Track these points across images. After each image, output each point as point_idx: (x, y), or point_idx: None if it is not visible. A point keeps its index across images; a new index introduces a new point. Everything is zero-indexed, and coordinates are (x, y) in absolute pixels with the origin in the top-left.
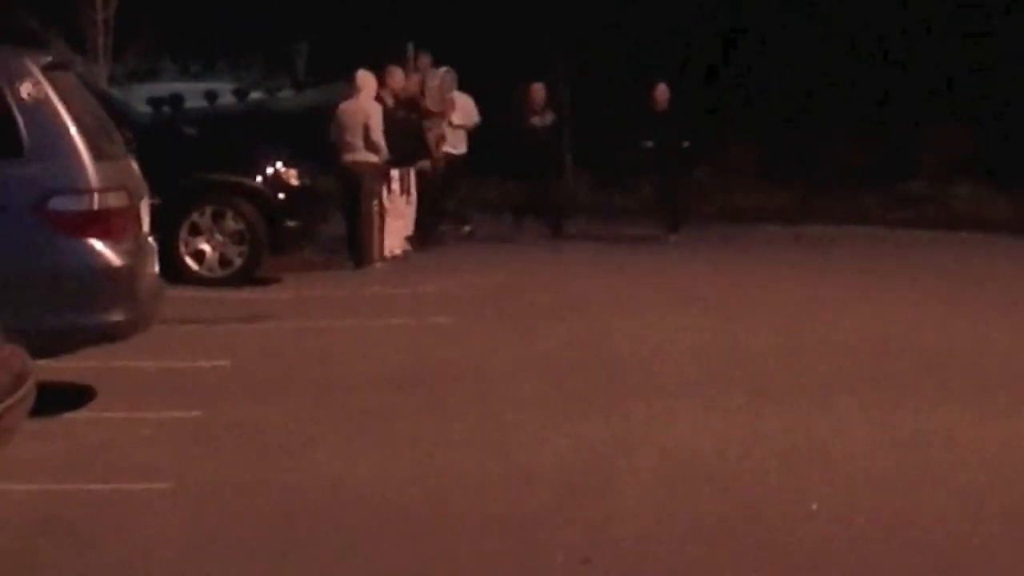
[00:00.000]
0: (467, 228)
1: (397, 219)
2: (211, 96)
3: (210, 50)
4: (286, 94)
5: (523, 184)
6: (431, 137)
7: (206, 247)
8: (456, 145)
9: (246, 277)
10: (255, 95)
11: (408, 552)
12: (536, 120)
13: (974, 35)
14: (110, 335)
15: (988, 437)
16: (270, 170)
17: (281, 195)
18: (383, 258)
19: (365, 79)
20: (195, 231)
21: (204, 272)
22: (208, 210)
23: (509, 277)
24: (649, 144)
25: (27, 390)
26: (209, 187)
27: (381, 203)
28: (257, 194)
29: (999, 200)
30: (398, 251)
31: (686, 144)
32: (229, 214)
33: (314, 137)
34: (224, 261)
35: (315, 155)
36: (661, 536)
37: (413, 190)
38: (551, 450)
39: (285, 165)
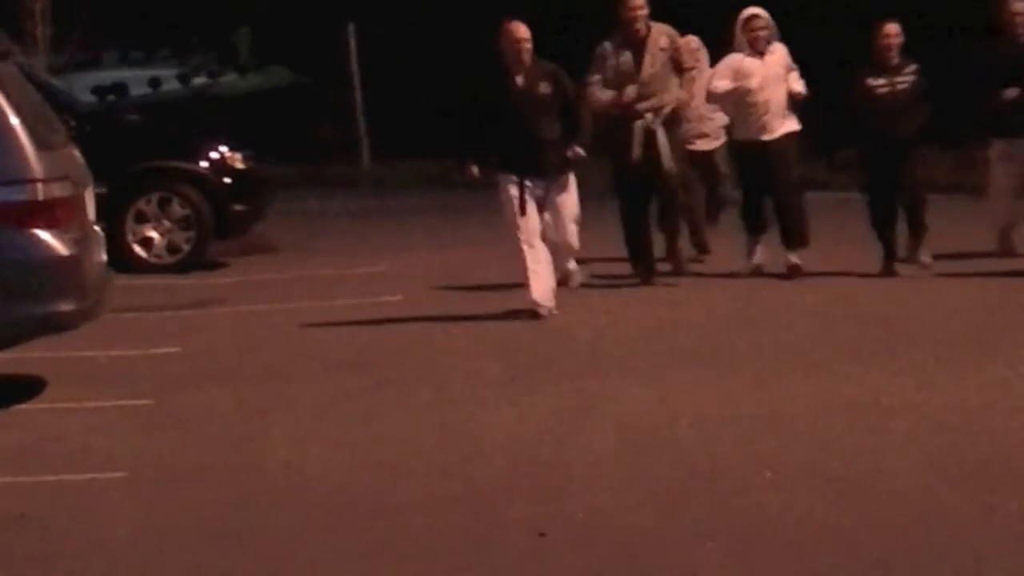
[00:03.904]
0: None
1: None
2: (154, 83)
3: (151, 37)
4: (229, 78)
5: (869, 163)
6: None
7: (153, 234)
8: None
9: (194, 263)
10: (198, 81)
11: (363, 532)
12: (883, 83)
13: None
14: (59, 325)
15: (940, 400)
16: (215, 155)
17: (227, 179)
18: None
19: None
20: (142, 218)
21: (152, 259)
22: (154, 197)
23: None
24: (1014, 93)
25: None
26: (154, 174)
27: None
28: (203, 179)
29: (944, 160)
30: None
31: None
32: (175, 200)
33: (258, 120)
34: (172, 248)
35: (260, 138)
36: (616, 508)
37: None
38: (503, 425)
39: (230, 149)
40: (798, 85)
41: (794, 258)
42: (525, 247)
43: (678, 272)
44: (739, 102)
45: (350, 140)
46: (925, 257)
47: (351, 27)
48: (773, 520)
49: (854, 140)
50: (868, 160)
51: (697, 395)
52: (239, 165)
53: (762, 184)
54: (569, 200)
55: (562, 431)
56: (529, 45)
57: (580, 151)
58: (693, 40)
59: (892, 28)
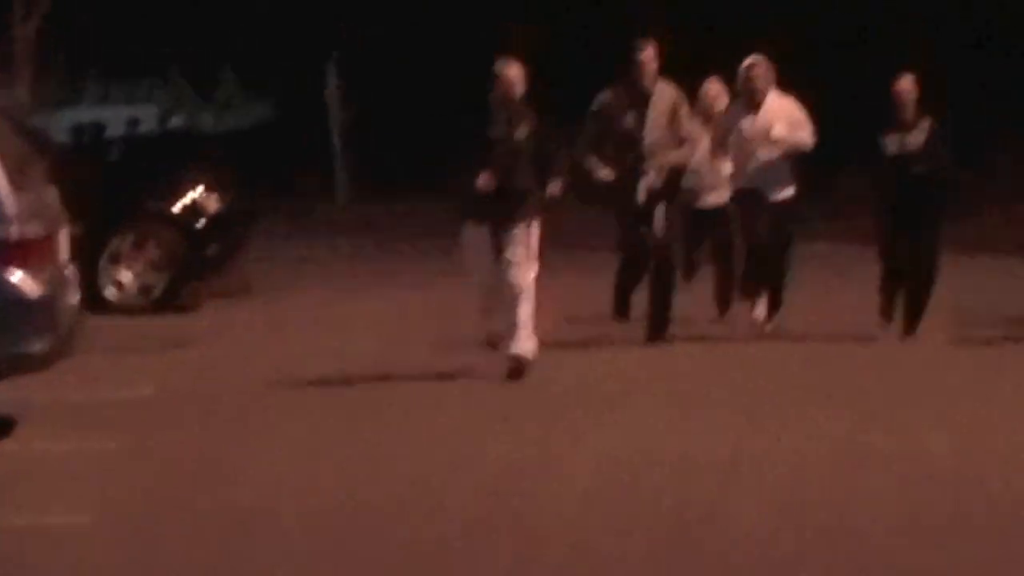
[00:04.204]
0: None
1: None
2: (133, 123)
3: (133, 75)
4: (208, 118)
5: (886, 243)
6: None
7: (127, 275)
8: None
9: (168, 304)
10: (177, 120)
11: (341, 573)
12: (895, 140)
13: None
14: (31, 365)
15: (915, 449)
16: (190, 196)
17: (201, 221)
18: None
19: None
20: (116, 259)
21: (125, 300)
22: (128, 238)
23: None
24: None
25: None
26: (129, 215)
27: None
28: (177, 221)
29: None
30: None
31: None
32: (149, 242)
33: (236, 160)
34: (145, 289)
35: (238, 178)
36: (596, 543)
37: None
38: (486, 463)
39: (206, 190)
40: (794, 134)
41: (767, 324)
42: (486, 299)
43: (653, 337)
44: (738, 155)
45: (328, 179)
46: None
47: (331, 65)
48: (748, 563)
49: (874, 202)
50: (883, 219)
51: (679, 438)
52: (215, 206)
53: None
54: (531, 245)
55: (545, 468)
56: (518, 89)
57: (555, 191)
58: (713, 86)
59: (904, 83)
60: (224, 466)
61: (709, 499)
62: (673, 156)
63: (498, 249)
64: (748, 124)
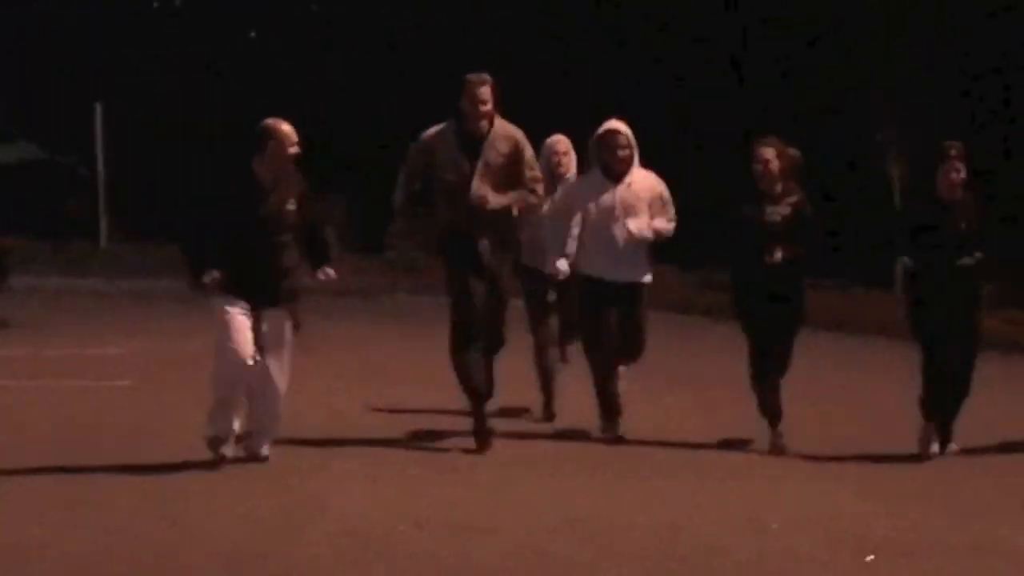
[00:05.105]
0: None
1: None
2: None
3: None
4: None
5: (752, 330)
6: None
7: None
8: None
9: None
10: None
11: None
12: (758, 213)
13: None
14: None
15: (663, 518)
16: None
17: None
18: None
19: None
20: None
21: None
22: None
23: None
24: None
25: None
26: None
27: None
28: None
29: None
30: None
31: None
32: None
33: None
34: None
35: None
36: None
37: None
38: (226, 518)
39: None
40: (656, 224)
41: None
42: (225, 379)
43: (481, 444)
44: (591, 233)
45: (92, 219)
46: (781, 441)
47: (98, 106)
48: None
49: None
50: (741, 298)
51: (422, 500)
52: None
53: (604, 325)
54: (288, 333)
55: (283, 529)
56: (297, 150)
57: (331, 272)
58: (562, 142)
59: (765, 152)
60: None
61: (448, 562)
62: (511, 197)
63: (256, 331)
64: (609, 199)
